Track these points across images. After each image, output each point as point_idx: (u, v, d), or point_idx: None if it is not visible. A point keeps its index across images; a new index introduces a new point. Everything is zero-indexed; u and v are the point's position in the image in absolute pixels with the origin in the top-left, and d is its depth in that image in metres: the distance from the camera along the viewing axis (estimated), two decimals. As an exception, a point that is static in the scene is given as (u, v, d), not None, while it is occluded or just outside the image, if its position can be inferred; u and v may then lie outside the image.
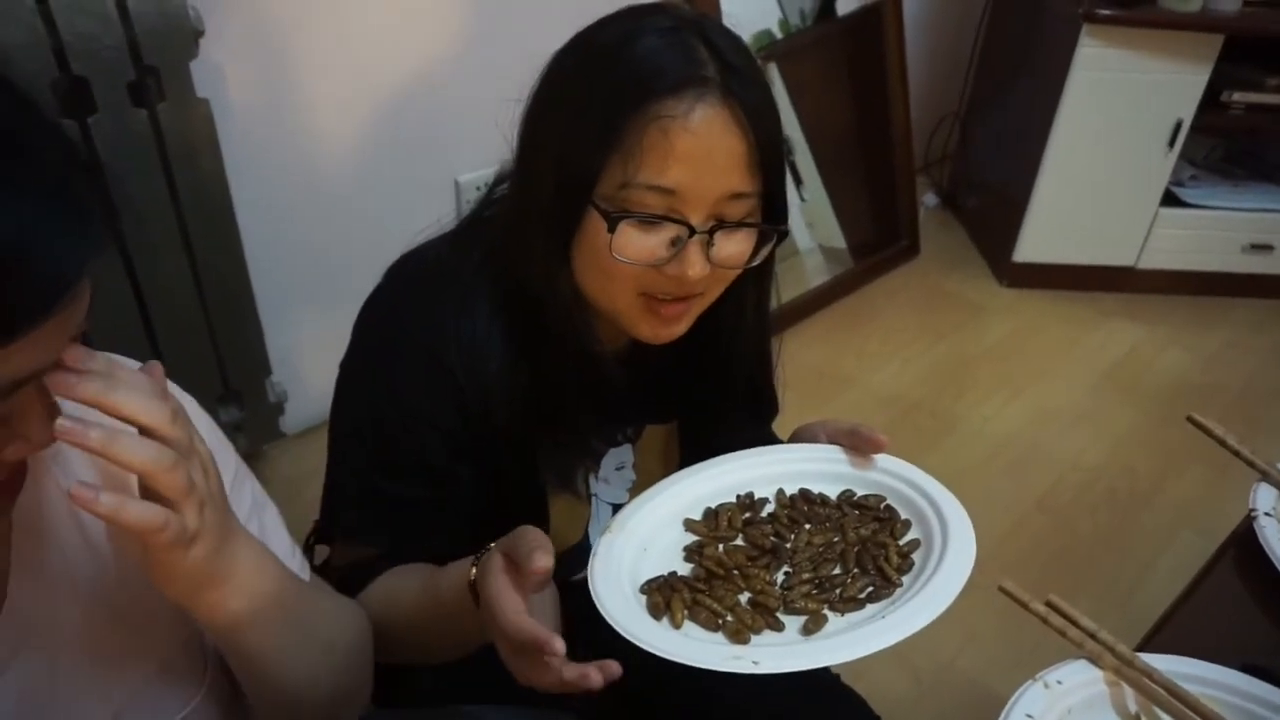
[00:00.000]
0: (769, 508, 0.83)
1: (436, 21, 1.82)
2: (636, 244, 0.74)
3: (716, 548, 0.78)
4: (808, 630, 0.70)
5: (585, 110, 0.74)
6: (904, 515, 0.80)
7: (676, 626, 0.70)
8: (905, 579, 0.73)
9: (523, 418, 0.84)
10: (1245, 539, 0.94)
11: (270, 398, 1.78)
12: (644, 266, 0.75)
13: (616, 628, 0.67)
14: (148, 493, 0.53)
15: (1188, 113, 2.43)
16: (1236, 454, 0.99)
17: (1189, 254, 2.68)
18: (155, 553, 0.55)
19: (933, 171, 3.13)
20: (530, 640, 0.65)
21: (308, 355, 1.91)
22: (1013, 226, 2.66)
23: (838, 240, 2.59)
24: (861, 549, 0.76)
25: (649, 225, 0.74)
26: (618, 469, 0.97)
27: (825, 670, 0.99)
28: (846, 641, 0.66)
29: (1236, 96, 2.45)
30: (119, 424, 0.51)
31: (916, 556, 0.75)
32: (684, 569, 0.77)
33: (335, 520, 0.90)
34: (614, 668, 0.66)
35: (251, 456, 1.82)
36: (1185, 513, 2.01)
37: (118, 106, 1.37)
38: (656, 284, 0.77)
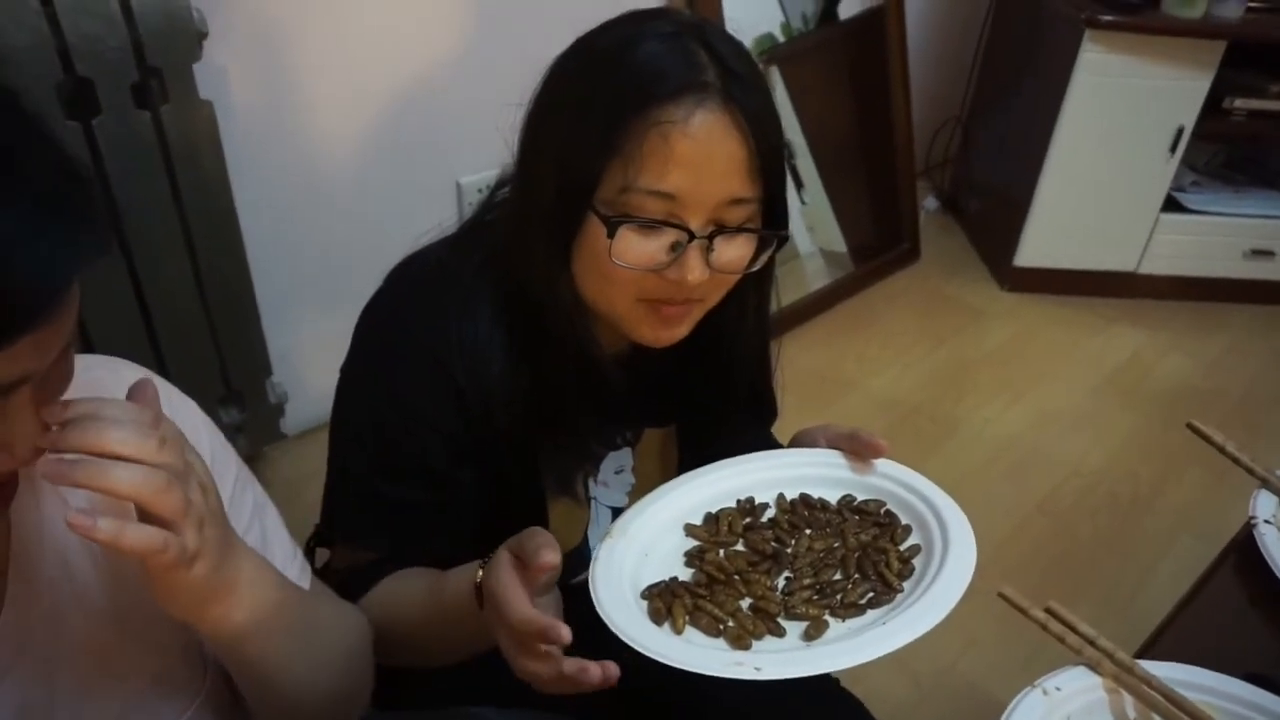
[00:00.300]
0: (769, 512, 0.83)
1: (438, 24, 1.82)
2: (636, 249, 0.74)
3: (717, 553, 0.78)
4: (809, 636, 0.70)
5: (586, 115, 0.74)
6: (904, 520, 0.80)
7: (678, 632, 0.70)
8: (906, 585, 0.73)
9: (523, 421, 0.84)
10: (1245, 546, 0.94)
11: (271, 399, 1.78)
12: (644, 271, 0.75)
13: (618, 633, 0.67)
14: (146, 514, 0.53)
15: (1189, 118, 2.43)
16: (1236, 461, 0.99)
17: (1190, 259, 2.68)
18: (157, 572, 0.55)
19: (934, 175, 3.13)
20: (536, 629, 0.66)
21: (308, 356, 1.91)
22: (1014, 231, 2.66)
23: (838, 244, 2.59)
24: (862, 554, 0.76)
25: (649, 230, 0.74)
26: (617, 472, 0.97)
27: (825, 674, 0.99)
28: (848, 648, 0.66)
29: (1238, 103, 2.45)
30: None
31: (917, 562, 0.75)
32: (685, 574, 0.77)
33: (336, 523, 0.90)
34: (613, 669, 0.67)
35: (252, 458, 1.82)
36: (1185, 518, 2.01)
37: (121, 108, 1.37)
38: (656, 288, 0.77)
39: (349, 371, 0.87)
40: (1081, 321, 2.65)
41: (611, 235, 0.73)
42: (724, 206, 0.75)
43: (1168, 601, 0.95)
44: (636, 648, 0.66)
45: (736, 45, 0.77)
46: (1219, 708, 0.75)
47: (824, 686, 0.99)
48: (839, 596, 0.73)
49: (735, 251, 0.78)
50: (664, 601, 0.72)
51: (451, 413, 0.82)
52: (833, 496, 0.83)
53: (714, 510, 0.83)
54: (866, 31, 2.50)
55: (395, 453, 0.84)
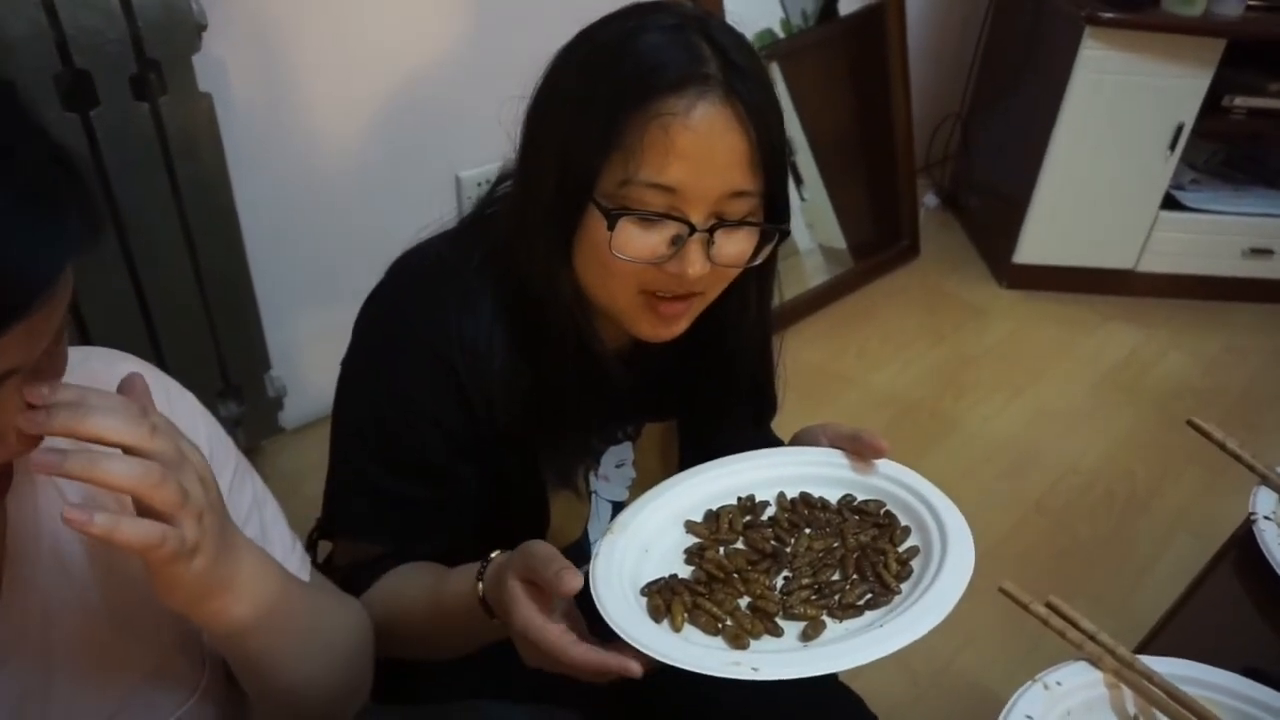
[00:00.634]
0: (770, 511, 0.83)
1: (439, 17, 1.82)
2: (637, 242, 0.74)
3: (717, 551, 0.78)
4: (806, 636, 0.70)
5: (587, 107, 0.74)
6: (904, 522, 0.79)
7: (677, 630, 0.70)
8: (904, 587, 0.73)
9: (524, 416, 0.84)
10: (1245, 543, 0.94)
11: (269, 393, 1.78)
12: (644, 264, 0.75)
13: (617, 630, 0.67)
14: (144, 508, 0.53)
15: (1189, 116, 2.43)
16: (1237, 458, 0.99)
17: (1189, 258, 2.68)
18: (155, 566, 0.54)
19: (934, 172, 3.13)
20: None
21: (307, 350, 1.91)
22: (1013, 228, 2.66)
23: (838, 240, 2.59)
24: (861, 555, 0.76)
25: (649, 223, 0.74)
26: (617, 466, 0.97)
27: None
28: (845, 649, 0.66)
29: (1238, 101, 2.45)
30: (99, 447, 0.51)
31: (915, 564, 0.75)
32: (685, 571, 0.77)
33: (337, 517, 0.90)
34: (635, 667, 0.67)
35: (250, 451, 1.82)
36: (1183, 516, 2.01)
37: (120, 100, 1.37)
38: (657, 282, 0.77)
39: (349, 366, 0.87)
40: (1080, 319, 2.65)
41: (612, 228, 0.73)
42: (725, 200, 0.74)
43: (1164, 599, 0.95)
44: (635, 645, 0.66)
45: (739, 38, 0.76)
46: (1219, 703, 0.75)
47: (822, 683, 0.99)
48: (837, 597, 0.73)
49: (736, 246, 0.77)
50: (663, 599, 0.72)
51: (452, 407, 0.82)
52: (833, 496, 0.83)
53: (714, 507, 0.83)
54: (866, 28, 2.50)
55: (395, 447, 0.84)
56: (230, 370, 1.70)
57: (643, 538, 0.79)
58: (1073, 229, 2.63)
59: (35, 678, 0.62)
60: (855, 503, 0.82)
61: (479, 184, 1.98)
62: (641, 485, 0.95)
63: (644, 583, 0.75)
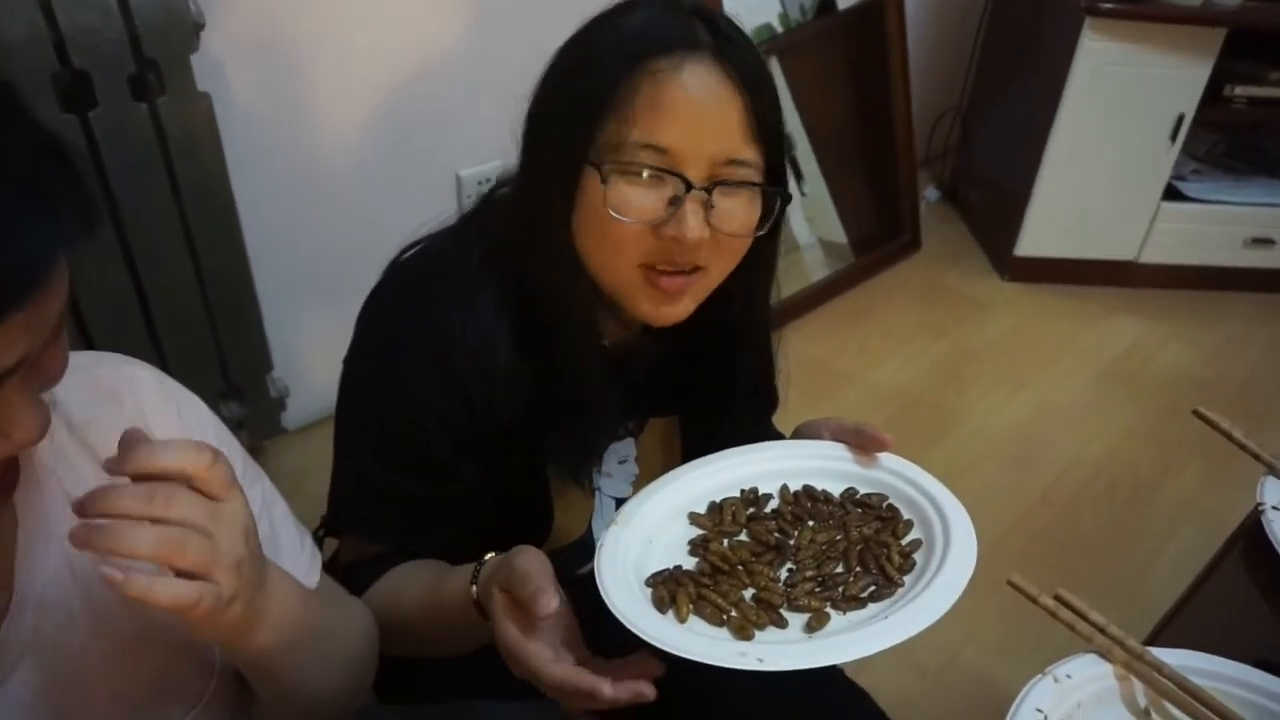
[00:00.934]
0: (773, 503, 0.83)
1: (438, 16, 1.81)
2: (634, 202, 0.74)
3: (721, 543, 0.78)
4: (810, 628, 0.70)
5: (583, 76, 0.76)
6: (906, 515, 0.79)
7: (682, 620, 0.70)
8: (907, 579, 0.73)
9: (527, 412, 0.84)
10: (1253, 533, 0.93)
11: (271, 393, 1.78)
12: (642, 225, 0.75)
13: (624, 621, 0.67)
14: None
15: (1190, 107, 2.42)
16: (1243, 447, 0.99)
17: (1190, 248, 2.67)
18: (192, 620, 0.54)
19: (934, 166, 3.12)
20: (577, 690, 0.66)
21: (309, 350, 1.90)
22: (1014, 221, 2.65)
23: (838, 235, 2.58)
24: (864, 548, 0.76)
25: (646, 183, 0.74)
26: (620, 462, 0.97)
27: (831, 665, 0.99)
28: (849, 641, 0.66)
29: (1239, 91, 2.44)
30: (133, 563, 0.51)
31: (918, 557, 0.75)
32: (689, 563, 0.77)
33: (340, 514, 0.90)
34: (652, 680, 0.67)
35: (253, 452, 1.80)
36: (1186, 508, 2.01)
37: (118, 101, 1.36)
38: (657, 252, 0.77)
39: (352, 364, 0.87)
40: (1082, 311, 2.65)
41: (605, 183, 0.74)
42: (722, 166, 0.75)
43: (1169, 592, 0.95)
44: (642, 636, 0.66)
45: (731, 21, 0.78)
46: (1230, 694, 0.75)
47: (830, 678, 0.99)
48: (841, 589, 0.73)
49: (737, 214, 0.77)
50: (668, 590, 0.72)
51: (454, 404, 0.82)
52: (836, 489, 0.83)
53: (718, 500, 0.83)
54: (865, 21, 2.49)
55: (398, 445, 0.84)
56: (232, 371, 1.70)
57: (646, 529, 0.79)
58: (1074, 221, 2.63)
59: (46, 680, 0.62)
60: (858, 496, 0.82)
61: (479, 183, 1.98)
62: (644, 482, 0.95)
63: (648, 574, 0.75)
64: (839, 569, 0.75)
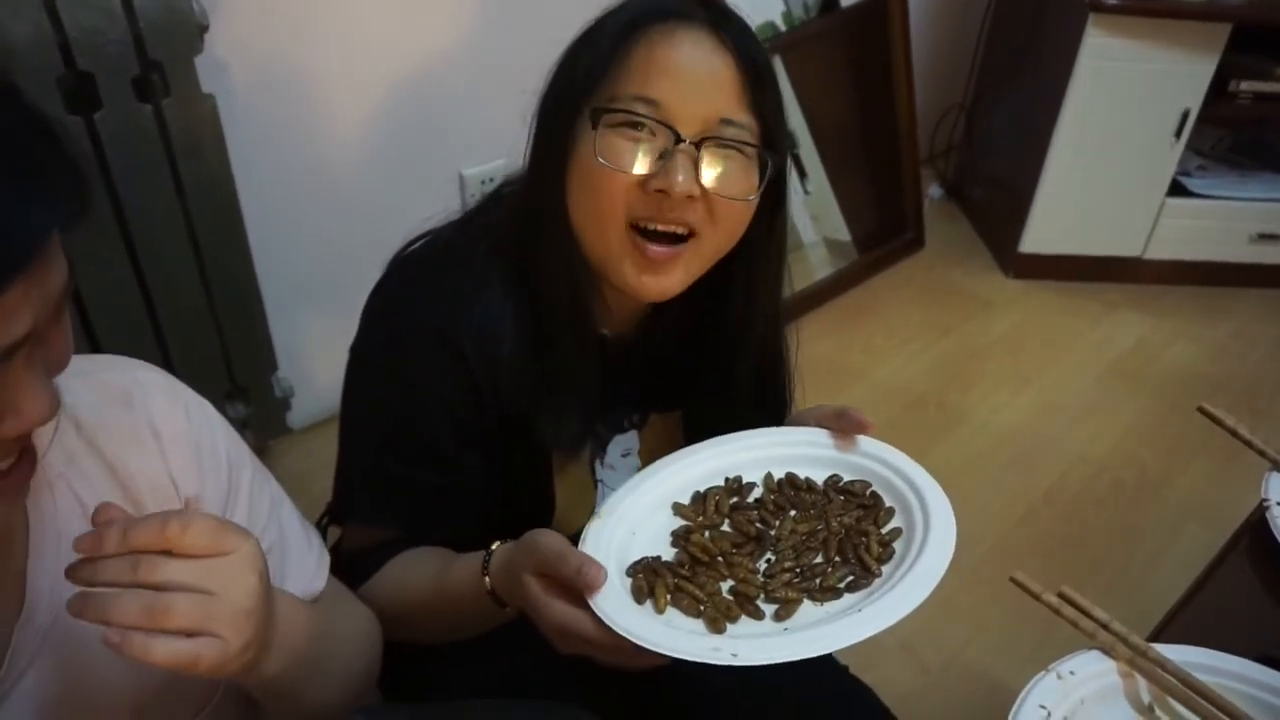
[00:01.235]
0: (757, 492, 0.83)
1: (442, 16, 1.81)
2: (625, 152, 0.76)
3: (703, 534, 0.78)
4: (779, 617, 0.70)
5: (585, 48, 0.79)
6: (888, 502, 0.79)
7: (660, 611, 0.70)
8: (885, 569, 0.73)
9: (531, 400, 0.84)
10: (1257, 529, 0.93)
11: (276, 393, 1.78)
12: (630, 179, 0.76)
13: (602, 615, 0.67)
14: None
15: (1195, 103, 2.41)
16: (1248, 444, 0.98)
17: (1196, 244, 2.66)
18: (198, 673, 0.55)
19: (938, 163, 3.12)
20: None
21: (314, 350, 1.91)
22: (1019, 218, 2.65)
23: (842, 233, 2.58)
24: (844, 538, 0.76)
25: (637, 135, 0.76)
26: (623, 456, 0.97)
27: (835, 662, 0.99)
28: (823, 634, 0.66)
29: (1244, 86, 2.43)
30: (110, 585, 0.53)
31: (897, 545, 0.75)
32: (670, 554, 0.77)
33: (345, 503, 0.91)
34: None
35: (258, 452, 1.81)
36: (1191, 505, 2.00)
37: (123, 102, 1.37)
38: (644, 206, 0.77)
39: (358, 353, 0.88)
40: (1087, 308, 2.64)
41: (596, 130, 0.75)
42: (715, 125, 0.76)
43: (1174, 589, 0.94)
44: (617, 630, 0.66)
45: (727, 4, 0.80)
46: (1234, 690, 0.75)
47: (835, 675, 0.99)
48: (818, 580, 0.73)
49: (728, 174, 0.77)
50: (647, 580, 0.72)
51: (459, 393, 0.83)
52: (820, 476, 0.83)
53: (703, 489, 0.83)
54: (868, 19, 2.49)
55: (403, 434, 0.84)
56: (237, 371, 1.71)
57: (630, 521, 0.79)
58: (1079, 217, 2.62)
59: (58, 683, 0.62)
60: (841, 483, 0.82)
61: (483, 182, 1.98)
62: (647, 477, 0.95)
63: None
64: (818, 559, 0.75)
